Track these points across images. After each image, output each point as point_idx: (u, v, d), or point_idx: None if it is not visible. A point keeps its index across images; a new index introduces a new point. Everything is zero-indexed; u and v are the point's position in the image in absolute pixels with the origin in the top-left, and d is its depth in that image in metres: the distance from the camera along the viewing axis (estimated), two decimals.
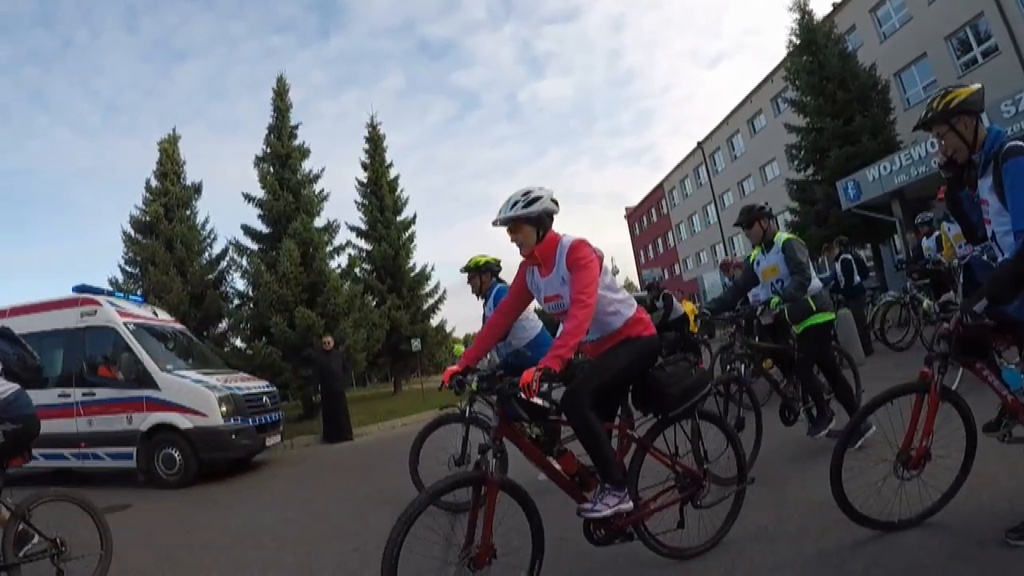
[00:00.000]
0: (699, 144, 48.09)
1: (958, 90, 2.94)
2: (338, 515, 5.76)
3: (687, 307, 11.65)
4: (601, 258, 3.26)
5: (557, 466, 3.13)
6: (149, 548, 5.35)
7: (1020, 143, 2.77)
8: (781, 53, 27.07)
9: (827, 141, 22.94)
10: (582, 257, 3.11)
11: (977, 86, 2.95)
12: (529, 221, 3.25)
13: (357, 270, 23.66)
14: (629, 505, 3.04)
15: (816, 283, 5.24)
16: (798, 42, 24.54)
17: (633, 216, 66.37)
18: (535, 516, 2.96)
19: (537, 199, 3.23)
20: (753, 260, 5.62)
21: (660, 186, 57.54)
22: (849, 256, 10.81)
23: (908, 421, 3.16)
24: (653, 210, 60.54)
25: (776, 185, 32.46)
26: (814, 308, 5.15)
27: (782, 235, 5.34)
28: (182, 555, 5.03)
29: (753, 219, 5.42)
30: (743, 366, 5.17)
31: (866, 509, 3.18)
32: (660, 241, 59.83)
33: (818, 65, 23.60)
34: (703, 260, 50.93)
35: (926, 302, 3.81)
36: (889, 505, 3.14)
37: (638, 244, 65.22)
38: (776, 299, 5.03)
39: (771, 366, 5.66)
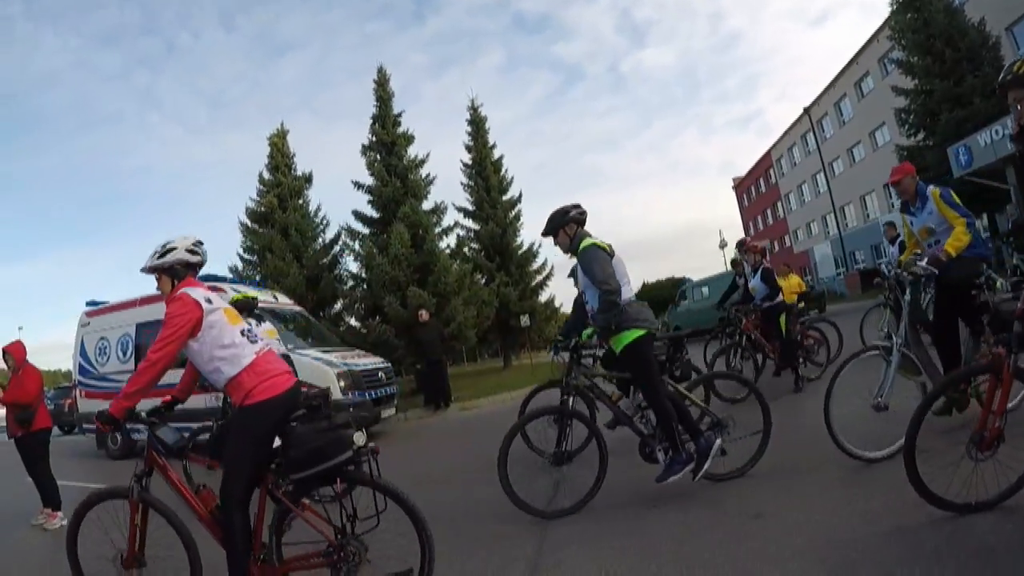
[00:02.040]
0: (806, 110, 45.76)
1: None
2: (435, 484, 6.04)
3: (793, 281, 11.25)
4: (205, 313, 3.15)
5: (198, 504, 3.23)
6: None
7: None
8: (886, 10, 25.32)
9: (937, 103, 21.69)
10: (168, 313, 3.13)
11: None
12: (164, 271, 3.33)
13: (466, 250, 24.21)
14: None
15: (624, 294, 4.44)
16: None
17: (741, 187, 64.01)
18: (183, 532, 3.18)
19: (171, 250, 3.33)
20: None
21: (768, 154, 55.14)
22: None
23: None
24: (761, 180, 58.15)
25: (887, 151, 30.28)
26: (612, 325, 4.40)
27: (585, 242, 4.53)
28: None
29: (557, 227, 4.67)
30: (569, 398, 4.61)
31: (943, 491, 3.13)
32: (769, 212, 57.60)
33: (923, 22, 22.25)
34: (814, 231, 48.90)
35: (1000, 281, 3.48)
36: (966, 487, 3.09)
37: (747, 215, 62.93)
38: (587, 331, 4.64)
39: (619, 398, 4.98)
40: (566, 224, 4.64)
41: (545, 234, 4.73)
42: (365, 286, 20.58)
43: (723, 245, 38.39)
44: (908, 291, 4.60)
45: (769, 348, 8.28)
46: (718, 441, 4.38)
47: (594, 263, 4.36)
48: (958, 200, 4.75)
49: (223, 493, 3.08)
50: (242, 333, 3.24)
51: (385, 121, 21.72)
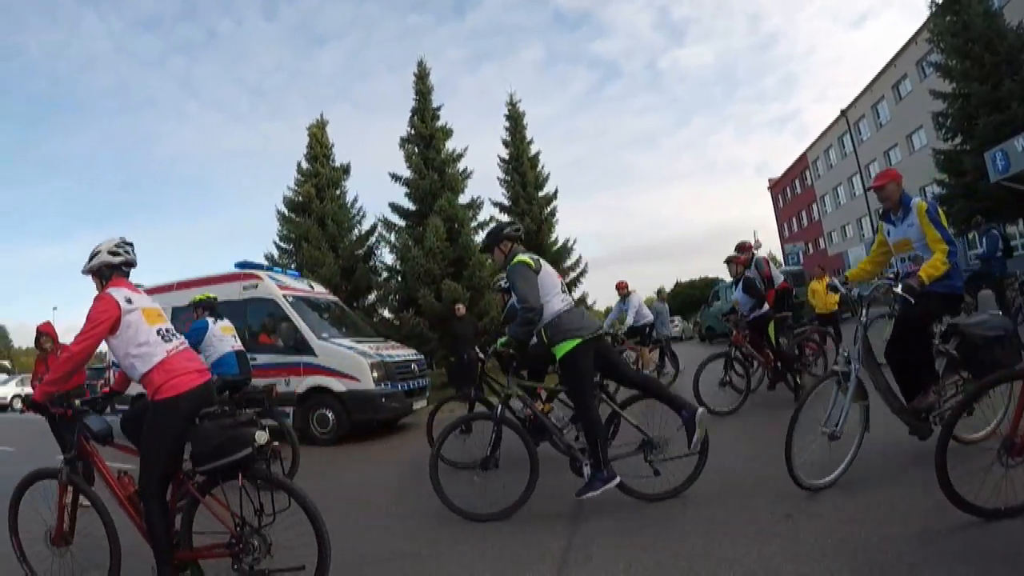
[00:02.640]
0: (843, 112, 45.27)
1: None
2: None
3: (822, 283, 11.14)
4: (123, 312, 3.32)
5: (118, 489, 3.44)
6: None
7: None
8: (925, 12, 24.96)
9: (975, 108, 21.29)
10: (90, 311, 3.32)
11: None
12: (93, 274, 3.55)
13: None
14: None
15: (553, 308, 4.44)
16: (940, 0, 22.76)
17: (776, 188, 63.45)
18: (105, 514, 3.42)
19: (95, 254, 3.52)
20: None
21: (804, 156, 54.70)
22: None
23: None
24: (797, 181, 57.73)
25: (923, 155, 29.60)
26: (545, 340, 4.45)
27: (514, 259, 4.59)
28: (333, 504, 5.49)
29: (492, 244, 4.86)
30: (500, 406, 4.74)
31: (972, 496, 3.12)
32: (804, 214, 56.99)
33: (963, 25, 21.89)
34: (849, 234, 48.28)
35: None
36: (996, 492, 3.08)
37: (782, 217, 62.27)
38: (502, 340, 4.67)
39: (550, 408, 5.08)
40: (500, 241, 4.82)
41: (482, 251, 4.70)
42: (400, 278, 20.79)
43: (757, 246, 38.01)
44: (866, 310, 4.39)
45: (762, 360, 8.09)
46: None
47: (517, 280, 4.46)
48: (944, 220, 4.50)
49: (141, 484, 3.29)
50: (158, 332, 3.43)
51: (424, 114, 21.87)
